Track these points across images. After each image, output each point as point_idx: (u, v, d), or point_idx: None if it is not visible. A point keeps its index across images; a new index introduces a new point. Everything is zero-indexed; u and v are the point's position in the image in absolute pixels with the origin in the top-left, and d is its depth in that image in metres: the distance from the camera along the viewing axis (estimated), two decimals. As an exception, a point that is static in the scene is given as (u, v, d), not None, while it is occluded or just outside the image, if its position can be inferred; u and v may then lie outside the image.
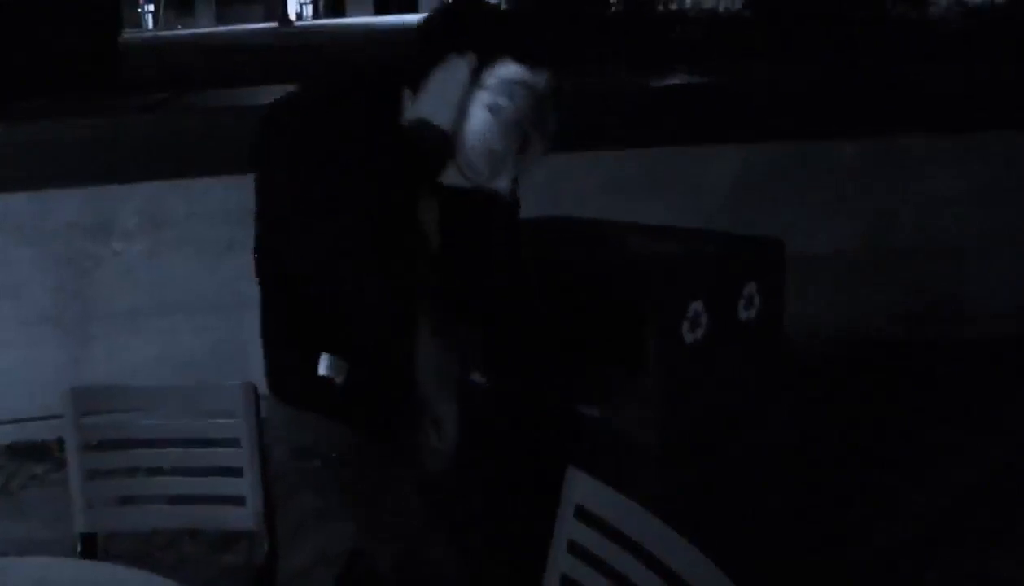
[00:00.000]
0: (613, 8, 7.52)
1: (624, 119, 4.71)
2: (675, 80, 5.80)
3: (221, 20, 42.07)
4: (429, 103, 1.67)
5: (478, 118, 1.67)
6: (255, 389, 2.09)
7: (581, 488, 1.67)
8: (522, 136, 1.70)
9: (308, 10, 44.53)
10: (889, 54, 5.93)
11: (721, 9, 9.07)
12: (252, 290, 4.35)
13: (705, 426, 2.46)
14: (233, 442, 2.10)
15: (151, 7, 42.58)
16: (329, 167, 1.66)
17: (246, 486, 2.09)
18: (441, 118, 1.67)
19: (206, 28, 37.66)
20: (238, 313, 4.28)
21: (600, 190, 4.31)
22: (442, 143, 1.67)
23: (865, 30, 6.90)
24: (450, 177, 1.71)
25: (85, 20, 7.88)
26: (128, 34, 14.70)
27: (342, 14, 41.52)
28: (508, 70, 1.66)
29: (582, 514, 1.67)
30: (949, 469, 3.55)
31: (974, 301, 4.75)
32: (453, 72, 1.67)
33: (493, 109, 1.66)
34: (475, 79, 1.67)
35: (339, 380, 1.79)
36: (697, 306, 2.34)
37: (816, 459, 3.50)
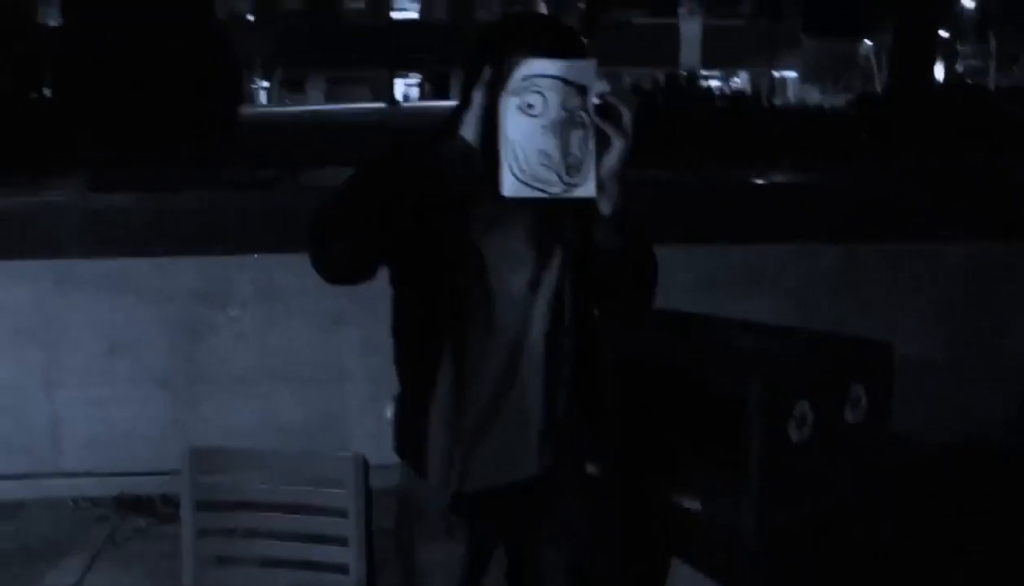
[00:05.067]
0: (718, 103, 7.60)
1: (725, 213, 4.75)
2: (777, 177, 5.82)
3: (330, 98, 43.62)
4: (465, 123, 1.72)
5: (515, 123, 1.67)
6: (365, 460, 2.16)
7: (685, 581, 1.68)
8: (582, 133, 1.66)
9: (414, 92, 45.98)
10: (1002, 155, 5.86)
11: (827, 106, 9.08)
12: (354, 364, 4.47)
13: (806, 525, 2.44)
14: (340, 512, 2.16)
15: (265, 84, 44.44)
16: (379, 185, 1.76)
17: (351, 555, 2.14)
18: (468, 132, 1.71)
19: (316, 105, 39.04)
20: (339, 385, 4.46)
21: (697, 284, 4.31)
22: (467, 156, 1.70)
23: (978, 129, 6.82)
24: (514, 189, 1.68)
25: (209, 96, 8.28)
26: (243, 109, 15.35)
27: (446, 97, 42.70)
28: (528, 67, 1.66)
29: (684, 607, 1.68)
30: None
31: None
32: (477, 87, 1.71)
33: (524, 109, 1.66)
34: (502, 87, 1.68)
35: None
36: (803, 406, 2.34)
37: (917, 563, 3.41)
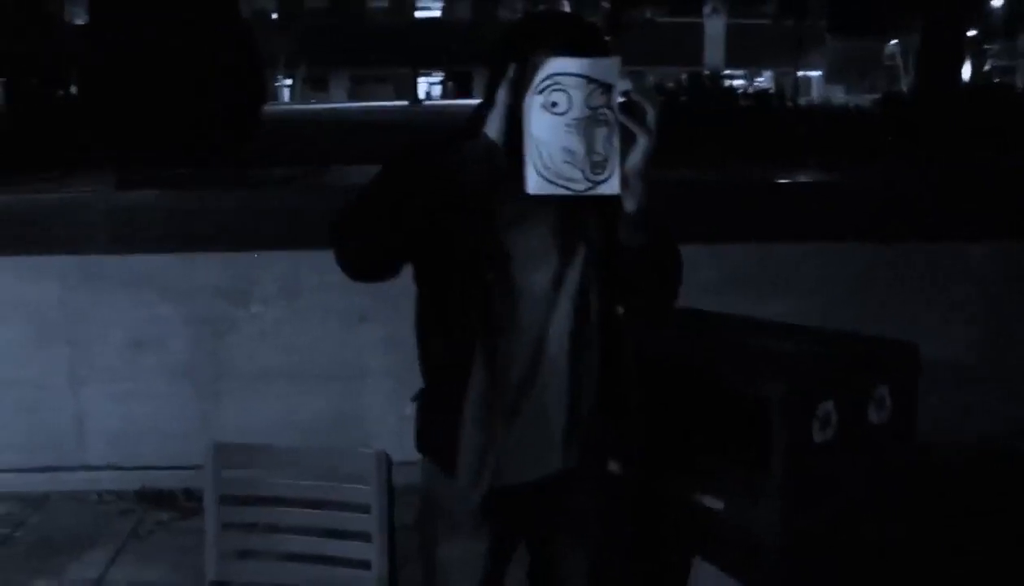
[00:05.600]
0: (741, 102, 7.58)
1: (749, 212, 4.71)
2: (801, 176, 5.78)
3: (353, 97, 43.75)
4: (489, 122, 1.73)
5: (539, 121, 1.68)
6: (388, 457, 2.16)
7: (707, 580, 1.67)
8: (606, 131, 1.67)
9: (437, 90, 46.10)
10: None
11: (852, 106, 9.03)
12: (376, 362, 4.48)
13: (828, 525, 2.42)
14: (363, 507, 2.16)
15: (288, 81, 44.64)
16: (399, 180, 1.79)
17: (374, 551, 2.15)
18: (492, 130, 1.72)
19: (339, 103, 39.16)
20: (360, 383, 4.47)
21: (722, 283, 4.29)
22: (491, 154, 1.71)
23: (1006, 129, 6.73)
24: (538, 186, 1.69)
25: (234, 94, 8.30)
26: (266, 106, 15.32)
27: (469, 95, 42.72)
28: (551, 66, 1.67)
29: (706, 607, 1.67)
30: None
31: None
32: (501, 86, 1.72)
33: (549, 108, 1.67)
34: (526, 86, 1.69)
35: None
36: (827, 406, 2.32)
37: (941, 564, 3.38)
